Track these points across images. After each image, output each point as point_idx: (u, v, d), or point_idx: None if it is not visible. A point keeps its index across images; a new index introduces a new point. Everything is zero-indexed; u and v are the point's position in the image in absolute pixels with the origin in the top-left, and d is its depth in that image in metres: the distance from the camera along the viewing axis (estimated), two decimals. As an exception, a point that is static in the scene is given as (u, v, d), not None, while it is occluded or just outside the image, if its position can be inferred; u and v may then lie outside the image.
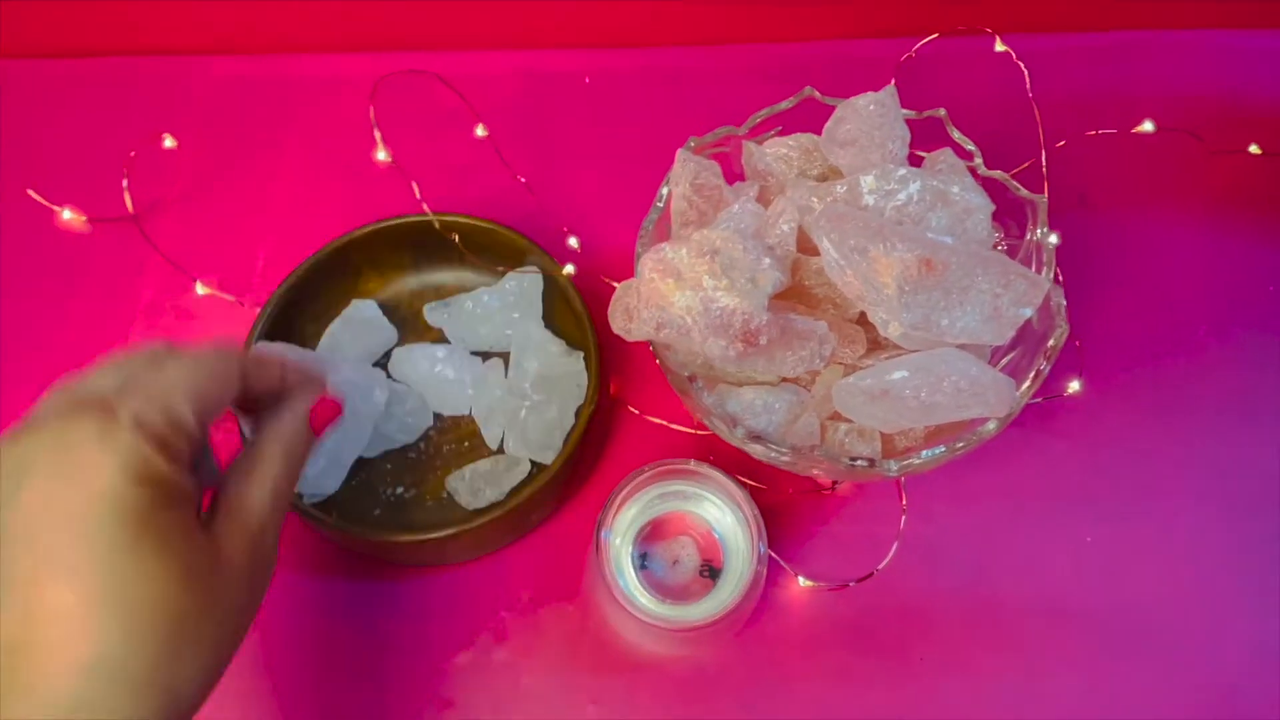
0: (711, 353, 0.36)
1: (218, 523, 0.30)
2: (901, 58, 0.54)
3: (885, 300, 0.36)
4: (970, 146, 0.44)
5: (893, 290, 0.36)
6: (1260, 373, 0.51)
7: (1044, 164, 0.50)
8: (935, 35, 0.53)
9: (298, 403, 0.35)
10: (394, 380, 0.49)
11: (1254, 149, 0.55)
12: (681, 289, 0.35)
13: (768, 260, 0.36)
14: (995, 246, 0.44)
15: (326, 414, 0.35)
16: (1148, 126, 0.52)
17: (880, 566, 0.46)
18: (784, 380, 0.41)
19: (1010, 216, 0.44)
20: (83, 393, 0.30)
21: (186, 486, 0.29)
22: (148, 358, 0.32)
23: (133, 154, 0.56)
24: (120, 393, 0.29)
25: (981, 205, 0.40)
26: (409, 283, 0.52)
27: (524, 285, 0.50)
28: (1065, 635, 0.45)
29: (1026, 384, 0.39)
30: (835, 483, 0.48)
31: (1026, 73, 0.51)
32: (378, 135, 0.50)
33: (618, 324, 0.39)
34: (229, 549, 0.30)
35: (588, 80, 0.60)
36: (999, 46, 0.52)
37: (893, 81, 0.43)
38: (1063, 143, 0.52)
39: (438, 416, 0.49)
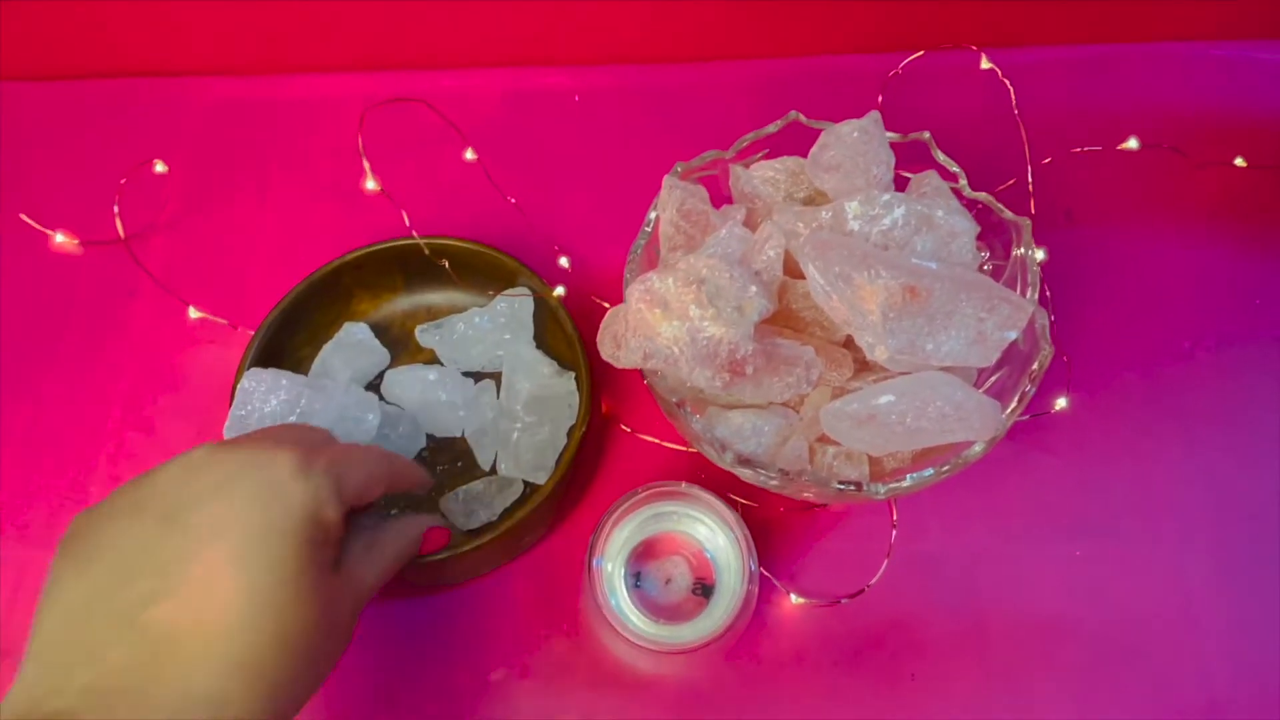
0: (698, 382, 0.36)
1: (339, 582, 0.34)
2: (888, 74, 0.54)
3: (871, 326, 0.37)
4: (955, 168, 0.44)
5: (877, 317, 0.36)
6: (1248, 385, 0.51)
7: (1030, 181, 0.51)
8: (921, 52, 0.54)
9: (424, 518, 0.41)
10: (386, 403, 0.49)
11: (1239, 161, 0.55)
12: (668, 319, 0.36)
13: (754, 288, 0.36)
14: (981, 267, 0.44)
15: (436, 540, 0.41)
16: (1132, 143, 0.52)
17: (871, 583, 0.46)
18: (772, 404, 0.41)
19: (996, 236, 0.44)
20: (278, 434, 0.35)
21: (337, 535, 0.33)
22: (318, 434, 0.37)
23: (123, 181, 0.56)
24: (311, 446, 0.33)
25: (966, 229, 0.40)
26: (400, 304, 0.53)
27: (515, 307, 0.50)
28: (1055, 650, 0.45)
29: (1012, 406, 0.39)
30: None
31: (1012, 89, 0.51)
32: (366, 165, 0.51)
33: (606, 351, 0.39)
34: (343, 605, 0.33)
35: (577, 98, 0.60)
36: (984, 63, 0.52)
37: (877, 106, 0.43)
38: (1048, 159, 0.53)
39: (430, 438, 0.49)
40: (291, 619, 0.30)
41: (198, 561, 0.29)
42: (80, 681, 0.27)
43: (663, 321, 0.36)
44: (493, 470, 0.48)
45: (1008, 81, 0.51)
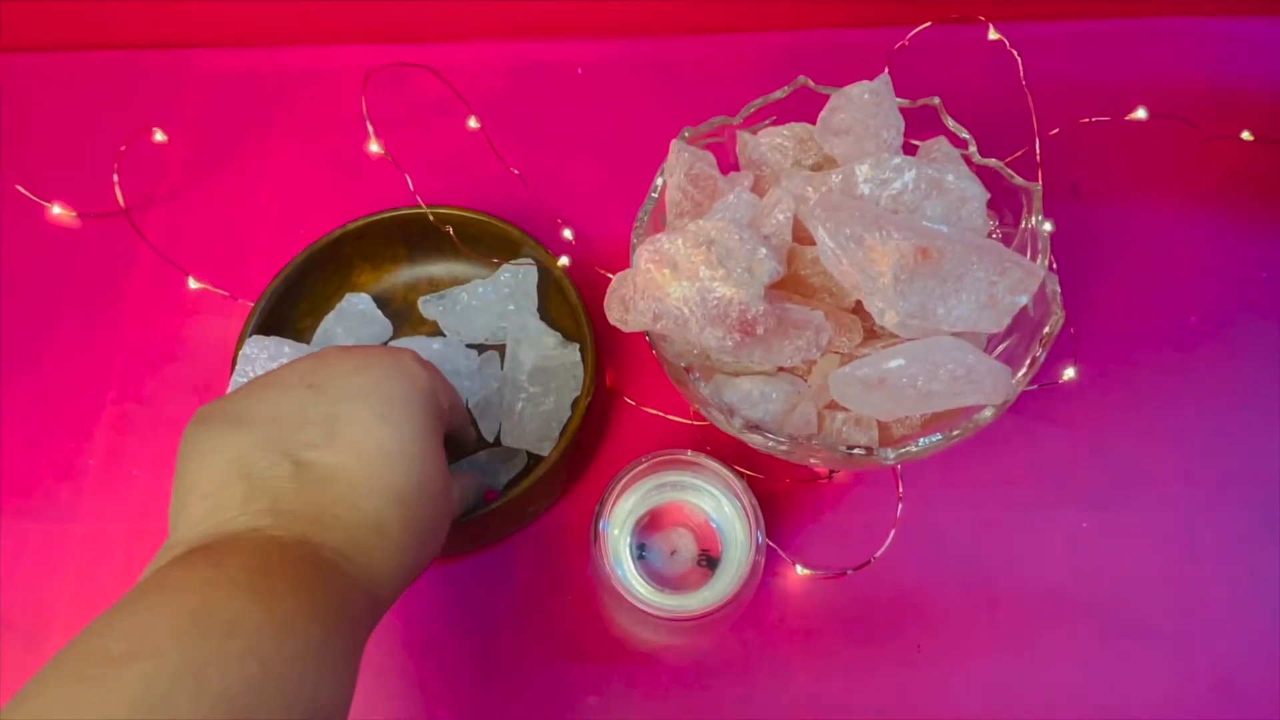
0: (708, 343, 0.36)
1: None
2: (894, 46, 0.54)
3: (881, 289, 0.36)
4: (965, 134, 0.44)
5: (889, 279, 0.36)
6: (1254, 358, 0.51)
7: (1038, 152, 0.51)
8: (928, 24, 0.53)
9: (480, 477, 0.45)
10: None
11: (1246, 135, 0.55)
12: (678, 279, 0.35)
13: (764, 250, 0.36)
14: (990, 235, 0.44)
15: (487, 497, 0.45)
16: (1141, 114, 0.52)
17: (877, 555, 0.46)
18: (780, 370, 0.41)
19: (1005, 204, 0.44)
20: None
21: (445, 431, 0.37)
22: None
23: (123, 148, 0.55)
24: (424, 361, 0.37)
25: (976, 193, 0.40)
26: (402, 275, 0.52)
27: (519, 277, 0.50)
28: (1061, 621, 0.45)
29: (1023, 371, 0.39)
30: (832, 471, 0.48)
31: (1020, 60, 0.51)
32: (370, 127, 0.50)
33: (614, 315, 0.39)
34: (451, 491, 0.36)
35: (580, 71, 0.60)
36: (992, 34, 0.52)
37: (886, 70, 0.43)
38: (1056, 130, 0.52)
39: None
40: (426, 470, 0.33)
41: (349, 417, 0.33)
42: (258, 507, 0.30)
43: (672, 282, 0.35)
44: (496, 441, 0.48)
45: (1015, 52, 0.51)
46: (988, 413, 0.38)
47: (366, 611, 0.30)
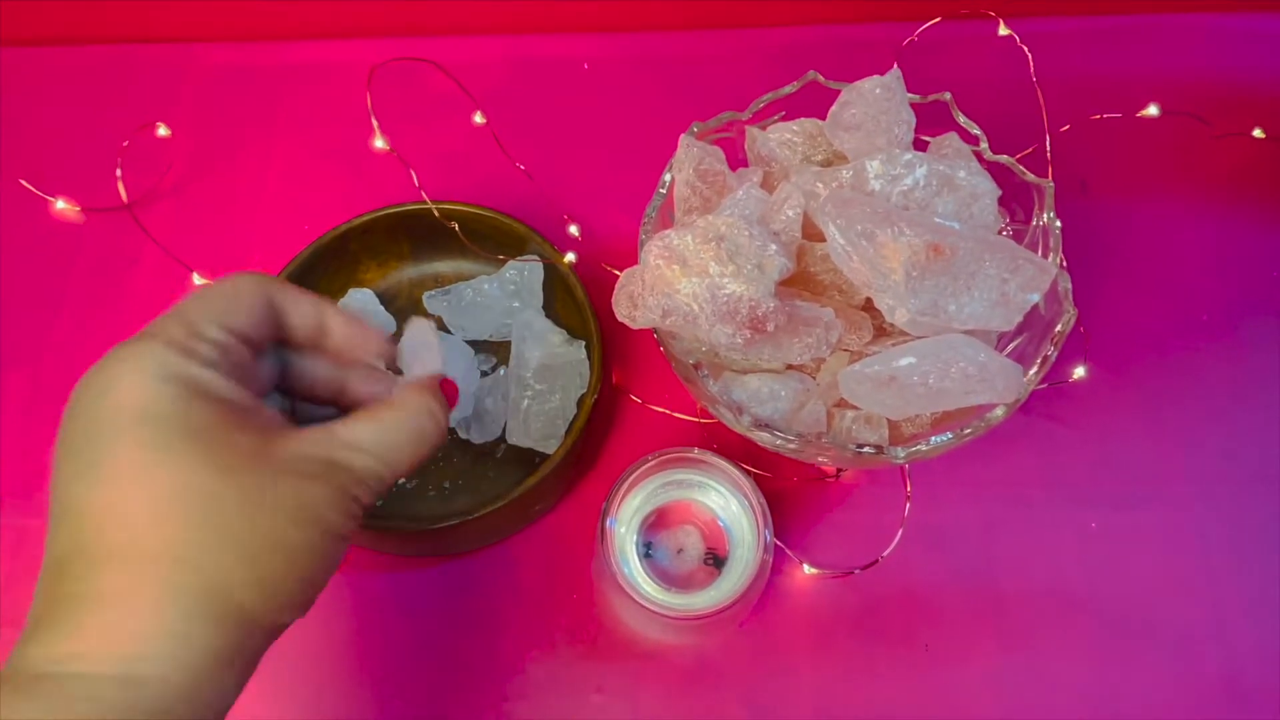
0: (718, 340, 0.35)
1: (288, 434, 0.30)
2: (904, 42, 0.53)
3: (892, 286, 0.36)
4: (976, 130, 0.43)
5: (900, 276, 0.35)
6: (1265, 357, 0.50)
7: (1048, 149, 0.50)
8: (938, 19, 0.53)
9: (424, 384, 0.34)
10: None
11: (1258, 133, 0.55)
12: (687, 275, 0.35)
13: (774, 246, 0.36)
14: (1001, 231, 0.43)
15: (448, 393, 0.34)
16: (1152, 110, 0.52)
17: (885, 554, 0.46)
18: (789, 368, 0.41)
19: (1016, 201, 0.44)
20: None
21: (222, 389, 0.29)
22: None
23: (125, 144, 0.55)
24: (156, 323, 0.31)
25: (988, 190, 0.39)
26: (407, 272, 0.52)
27: (525, 274, 0.49)
28: (1071, 622, 0.45)
29: (1034, 369, 0.39)
30: (840, 470, 0.48)
31: (1030, 56, 0.51)
32: (375, 122, 0.50)
33: (622, 311, 0.39)
34: (286, 456, 0.29)
35: (586, 66, 0.59)
36: (1003, 30, 0.51)
37: (896, 65, 0.42)
38: (1067, 127, 0.52)
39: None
40: (174, 488, 0.27)
41: (65, 489, 0.28)
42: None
43: (682, 278, 0.35)
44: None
45: (1026, 48, 0.51)
46: (999, 411, 0.37)
47: None
